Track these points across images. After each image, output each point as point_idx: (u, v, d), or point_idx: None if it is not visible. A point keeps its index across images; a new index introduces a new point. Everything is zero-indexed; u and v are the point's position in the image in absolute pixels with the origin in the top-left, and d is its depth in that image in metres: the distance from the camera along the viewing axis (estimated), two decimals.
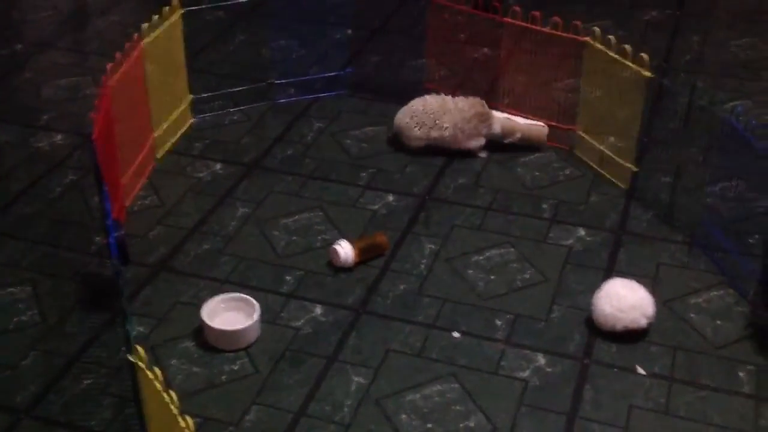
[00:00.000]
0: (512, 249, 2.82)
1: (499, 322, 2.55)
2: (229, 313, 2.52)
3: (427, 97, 3.21)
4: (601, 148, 3.13)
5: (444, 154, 3.19)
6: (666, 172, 3.05)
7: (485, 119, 3.13)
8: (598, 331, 2.50)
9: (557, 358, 2.44)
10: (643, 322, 2.46)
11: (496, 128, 3.14)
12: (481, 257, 2.79)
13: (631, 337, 2.47)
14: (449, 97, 3.20)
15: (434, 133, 3.13)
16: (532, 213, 2.97)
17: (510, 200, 3.03)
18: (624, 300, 2.45)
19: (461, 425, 2.25)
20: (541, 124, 3.20)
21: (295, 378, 2.38)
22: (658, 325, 2.51)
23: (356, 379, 2.38)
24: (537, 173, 3.16)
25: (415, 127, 3.14)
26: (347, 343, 2.49)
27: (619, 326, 2.46)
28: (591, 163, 3.18)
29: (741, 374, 2.37)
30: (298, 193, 3.06)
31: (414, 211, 2.98)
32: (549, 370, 2.40)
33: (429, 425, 2.25)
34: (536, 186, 3.10)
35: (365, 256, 2.75)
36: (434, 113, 3.13)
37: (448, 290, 2.66)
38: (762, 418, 2.25)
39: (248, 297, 2.53)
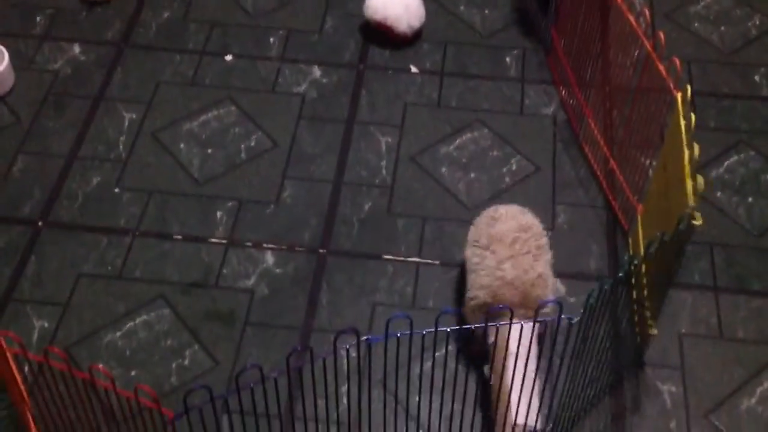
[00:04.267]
0: None
1: (272, 40, 2.48)
2: None
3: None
4: None
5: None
6: None
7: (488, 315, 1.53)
8: (372, 38, 2.48)
9: (333, 69, 2.42)
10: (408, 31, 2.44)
11: (490, 339, 1.75)
12: None
13: (401, 42, 2.47)
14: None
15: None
16: None
17: None
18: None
19: (242, 146, 2.24)
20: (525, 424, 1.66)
21: (60, 122, 2.26)
22: (429, 22, 2.51)
23: (128, 115, 2.29)
24: None
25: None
26: (113, 80, 2.36)
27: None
28: None
29: (507, 59, 2.45)
30: None
31: None
32: (325, 80, 2.39)
33: (209, 150, 2.22)
34: None
35: None
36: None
37: (215, 13, 2.54)
38: (527, 98, 2.36)
39: None
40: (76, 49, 2.42)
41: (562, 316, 1.38)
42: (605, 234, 2.08)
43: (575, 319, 1.42)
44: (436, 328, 1.34)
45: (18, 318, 1.88)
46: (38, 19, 2.48)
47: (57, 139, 2.22)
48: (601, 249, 2.04)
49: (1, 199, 2.10)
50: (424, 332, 1.37)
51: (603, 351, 1.65)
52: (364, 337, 1.39)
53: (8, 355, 1.44)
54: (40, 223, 2.06)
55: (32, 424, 1.60)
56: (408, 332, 1.36)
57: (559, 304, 1.36)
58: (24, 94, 2.31)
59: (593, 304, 1.42)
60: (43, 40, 2.43)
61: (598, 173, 2.17)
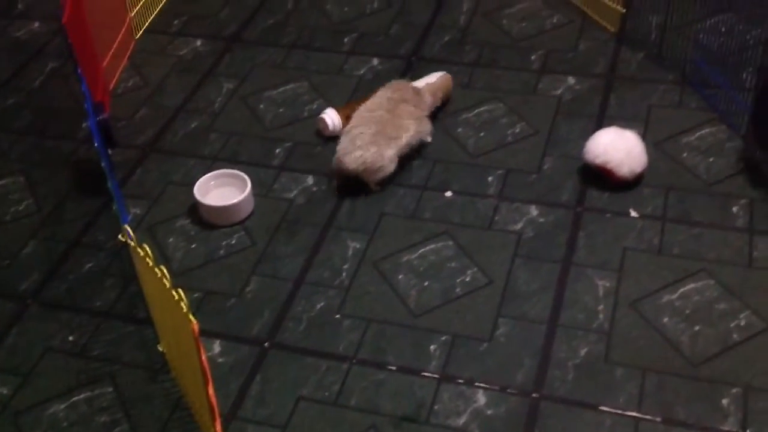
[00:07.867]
0: (501, 104, 2.78)
1: (490, 178, 2.55)
2: (221, 189, 2.53)
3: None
4: None
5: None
6: (655, 10, 2.97)
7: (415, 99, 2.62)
8: (590, 180, 2.49)
9: (550, 209, 2.45)
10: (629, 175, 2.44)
11: (428, 100, 2.67)
12: (470, 114, 2.76)
13: (621, 185, 2.47)
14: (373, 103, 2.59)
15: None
16: (520, 65, 2.92)
17: (497, 54, 2.97)
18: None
19: (458, 280, 2.28)
20: (442, 72, 2.78)
21: (292, 247, 2.41)
22: (651, 167, 2.50)
23: (352, 244, 2.40)
24: (524, 24, 3.08)
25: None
26: (341, 209, 2.50)
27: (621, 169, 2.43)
28: (581, 7, 3.09)
29: (734, 209, 2.38)
30: (282, 65, 3.01)
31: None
32: (542, 220, 2.42)
33: (426, 283, 2.28)
34: (523, 37, 3.03)
35: None
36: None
37: (438, 152, 2.65)
38: (756, 250, 2.27)
39: (239, 172, 2.53)
40: (310, 180, 2.59)
41: None
42: None
43: None
44: None
45: None
46: (277, 150, 2.69)
47: (287, 263, 2.36)
48: None
49: (234, 317, 2.25)
50: None
51: None
52: None
53: None
54: (266, 344, 2.18)
55: None
56: None
57: None
58: (261, 219, 2.49)
59: None
60: (281, 170, 2.63)
61: None
